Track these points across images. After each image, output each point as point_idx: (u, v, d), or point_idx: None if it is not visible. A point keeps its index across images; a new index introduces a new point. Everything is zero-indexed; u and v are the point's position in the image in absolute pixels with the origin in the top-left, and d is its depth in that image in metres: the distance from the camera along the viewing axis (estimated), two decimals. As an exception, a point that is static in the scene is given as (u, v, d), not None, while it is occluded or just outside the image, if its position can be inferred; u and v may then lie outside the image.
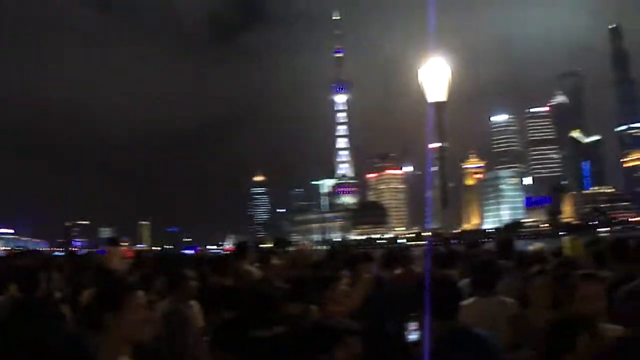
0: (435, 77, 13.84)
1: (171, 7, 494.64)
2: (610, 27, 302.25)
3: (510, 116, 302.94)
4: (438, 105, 13.93)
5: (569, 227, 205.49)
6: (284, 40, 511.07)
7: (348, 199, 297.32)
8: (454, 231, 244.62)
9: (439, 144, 16.39)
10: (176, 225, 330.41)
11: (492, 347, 4.37)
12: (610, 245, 7.42)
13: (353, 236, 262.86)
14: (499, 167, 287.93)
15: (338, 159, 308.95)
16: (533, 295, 5.57)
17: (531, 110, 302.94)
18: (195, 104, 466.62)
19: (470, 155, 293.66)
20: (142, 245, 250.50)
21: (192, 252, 61.65)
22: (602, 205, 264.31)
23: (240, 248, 10.97)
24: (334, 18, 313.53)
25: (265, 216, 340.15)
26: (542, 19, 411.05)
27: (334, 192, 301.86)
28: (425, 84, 13.82)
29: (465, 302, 5.34)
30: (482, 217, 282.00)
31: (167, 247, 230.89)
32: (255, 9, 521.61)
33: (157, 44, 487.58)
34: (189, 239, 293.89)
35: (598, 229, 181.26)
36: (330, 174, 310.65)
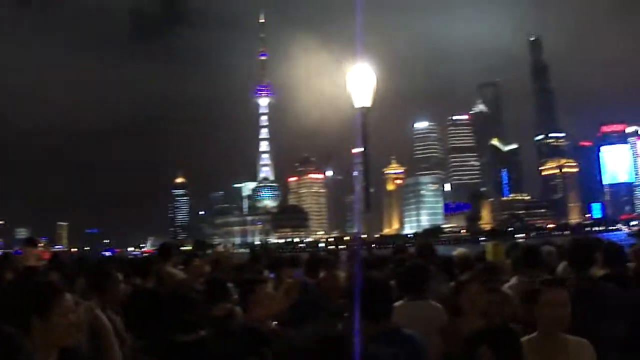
0: (360, 83, 13.58)
1: (92, 2, 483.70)
2: (530, 39, 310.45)
3: (432, 123, 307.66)
4: (363, 110, 13.67)
5: (487, 233, 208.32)
6: (209, 40, 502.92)
7: (269, 202, 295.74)
8: (375, 236, 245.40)
9: (362, 149, 15.98)
10: (95, 226, 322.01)
11: (421, 347, 4.44)
12: (523, 252, 7.51)
13: (274, 239, 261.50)
14: (420, 173, 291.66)
15: (260, 162, 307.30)
16: (466, 303, 5.44)
17: (452, 118, 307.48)
18: (115, 102, 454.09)
19: (392, 161, 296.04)
20: (59, 247, 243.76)
21: (110, 254, 59.25)
22: (519, 212, 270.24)
23: (164, 250, 10.38)
24: (259, 21, 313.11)
25: (185, 218, 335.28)
26: (465, 30, 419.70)
27: (255, 195, 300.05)
28: (351, 90, 13.62)
29: (396, 304, 5.31)
30: (402, 222, 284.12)
31: (86, 249, 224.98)
32: (180, 8, 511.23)
33: (76, 40, 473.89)
34: (107, 241, 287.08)
35: (515, 235, 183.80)
36: (252, 177, 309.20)
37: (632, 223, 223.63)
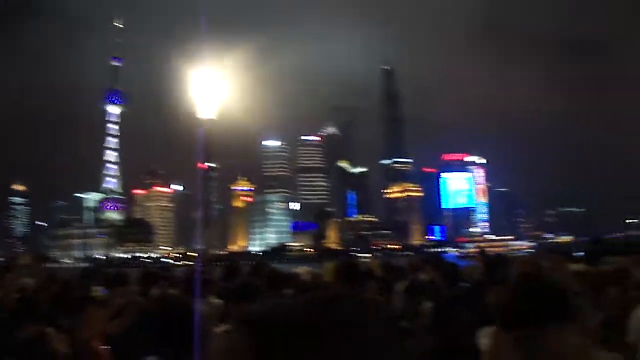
0: (207, 95, 13.12)
1: None
2: (383, 67, 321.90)
3: (283, 142, 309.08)
4: (208, 123, 12.18)
5: (332, 252, 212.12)
6: (59, 39, 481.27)
7: (114, 215, 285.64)
8: (221, 252, 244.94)
9: (205, 162, 13.74)
10: None
11: None
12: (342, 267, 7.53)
13: (117, 254, 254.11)
14: (268, 191, 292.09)
15: (106, 172, 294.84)
16: None
17: (303, 138, 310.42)
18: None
19: (240, 178, 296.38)
20: None
21: None
22: (364, 233, 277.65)
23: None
24: (116, 24, 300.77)
25: (23, 229, 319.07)
26: (321, 53, 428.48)
27: (100, 207, 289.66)
28: (197, 101, 13.08)
29: (218, 329, 4.85)
30: (248, 240, 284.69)
31: None
32: (32, 3, 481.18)
33: None
34: None
35: (360, 255, 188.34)
36: (97, 188, 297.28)
37: (467, 245, 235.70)
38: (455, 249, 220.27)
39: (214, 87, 13.14)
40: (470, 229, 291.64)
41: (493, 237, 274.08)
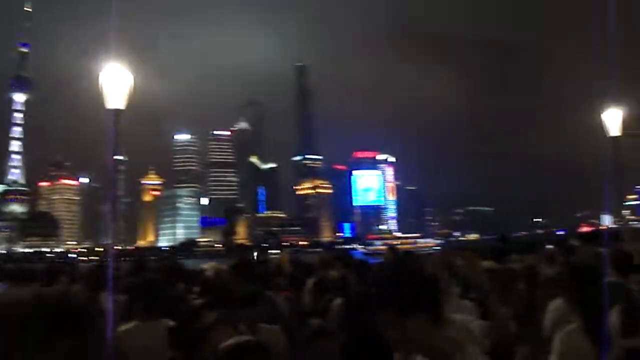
0: (115, 83, 12.37)
1: None
2: (297, 64, 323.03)
3: (193, 136, 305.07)
4: (116, 113, 12.46)
5: (242, 248, 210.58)
6: None
7: (17, 208, 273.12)
8: (129, 247, 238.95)
9: (116, 157, 14.78)
10: None
11: None
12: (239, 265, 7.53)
13: (20, 248, 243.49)
14: (178, 185, 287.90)
15: (10, 163, 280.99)
16: None
17: (214, 133, 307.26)
18: None
19: (150, 172, 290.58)
20: None
21: None
22: (274, 229, 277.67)
23: None
24: (25, 9, 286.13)
25: None
26: (235, 48, 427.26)
27: (2, 199, 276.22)
28: (105, 90, 12.33)
29: (124, 327, 5.12)
30: (157, 235, 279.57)
31: None
32: None
33: None
34: None
35: (270, 251, 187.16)
36: (0, 179, 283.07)
37: (376, 242, 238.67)
38: (362, 247, 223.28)
39: (124, 77, 12.49)
40: (380, 227, 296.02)
41: (401, 234, 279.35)
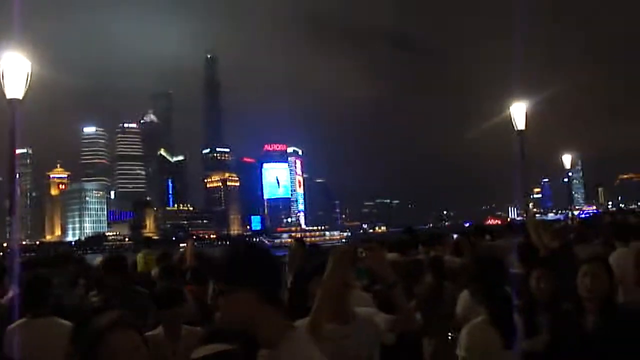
0: (14, 72, 12.04)
1: None
2: (207, 56, 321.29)
3: (101, 129, 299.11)
4: (19, 105, 12.05)
5: (150, 242, 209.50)
6: None
7: None
8: (34, 242, 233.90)
9: (21, 150, 11.61)
10: None
11: None
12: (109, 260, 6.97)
13: None
14: (85, 179, 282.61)
15: None
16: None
17: (122, 125, 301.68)
18: None
19: (58, 165, 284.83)
20: None
21: None
22: (183, 222, 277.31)
23: None
24: None
25: None
26: (143, 38, 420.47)
27: None
28: (6, 80, 12.01)
29: (14, 324, 4.95)
30: (64, 229, 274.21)
31: None
32: None
33: None
34: None
35: (180, 244, 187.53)
36: None
37: (283, 235, 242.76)
38: (269, 239, 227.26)
39: (23, 65, 12.22)
40: (288, 219, 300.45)
41: (309, 227, 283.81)
